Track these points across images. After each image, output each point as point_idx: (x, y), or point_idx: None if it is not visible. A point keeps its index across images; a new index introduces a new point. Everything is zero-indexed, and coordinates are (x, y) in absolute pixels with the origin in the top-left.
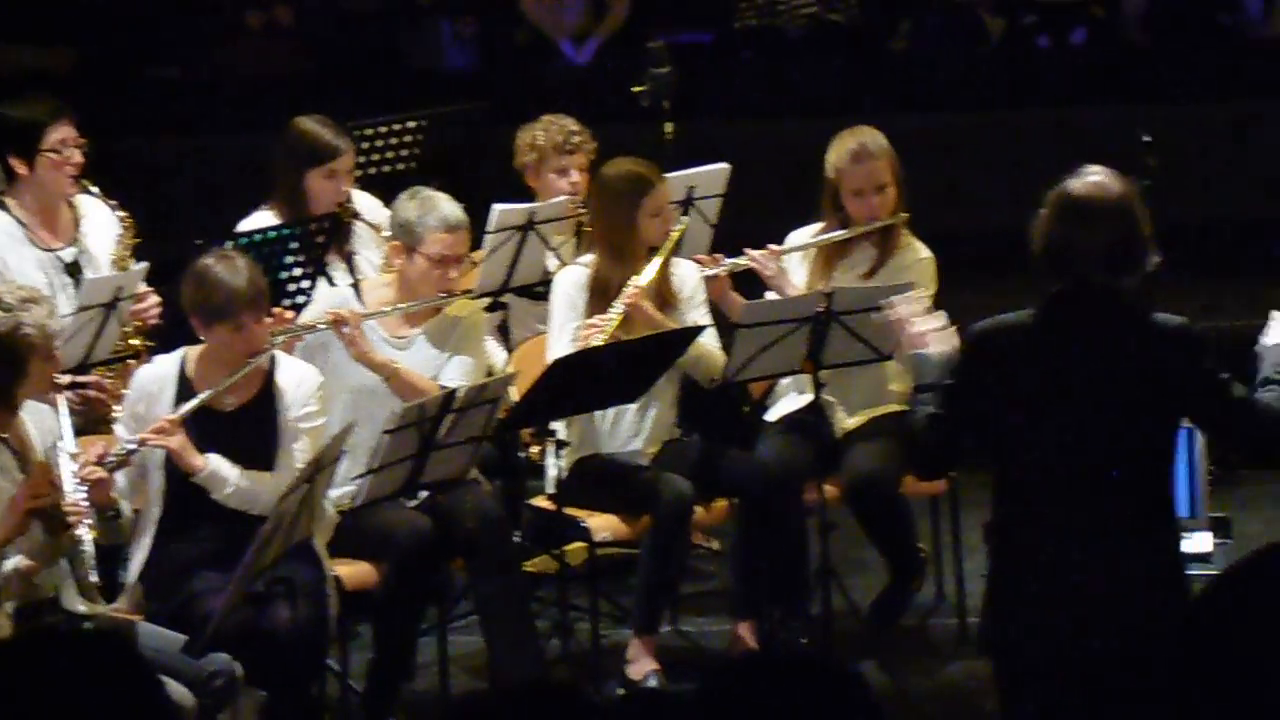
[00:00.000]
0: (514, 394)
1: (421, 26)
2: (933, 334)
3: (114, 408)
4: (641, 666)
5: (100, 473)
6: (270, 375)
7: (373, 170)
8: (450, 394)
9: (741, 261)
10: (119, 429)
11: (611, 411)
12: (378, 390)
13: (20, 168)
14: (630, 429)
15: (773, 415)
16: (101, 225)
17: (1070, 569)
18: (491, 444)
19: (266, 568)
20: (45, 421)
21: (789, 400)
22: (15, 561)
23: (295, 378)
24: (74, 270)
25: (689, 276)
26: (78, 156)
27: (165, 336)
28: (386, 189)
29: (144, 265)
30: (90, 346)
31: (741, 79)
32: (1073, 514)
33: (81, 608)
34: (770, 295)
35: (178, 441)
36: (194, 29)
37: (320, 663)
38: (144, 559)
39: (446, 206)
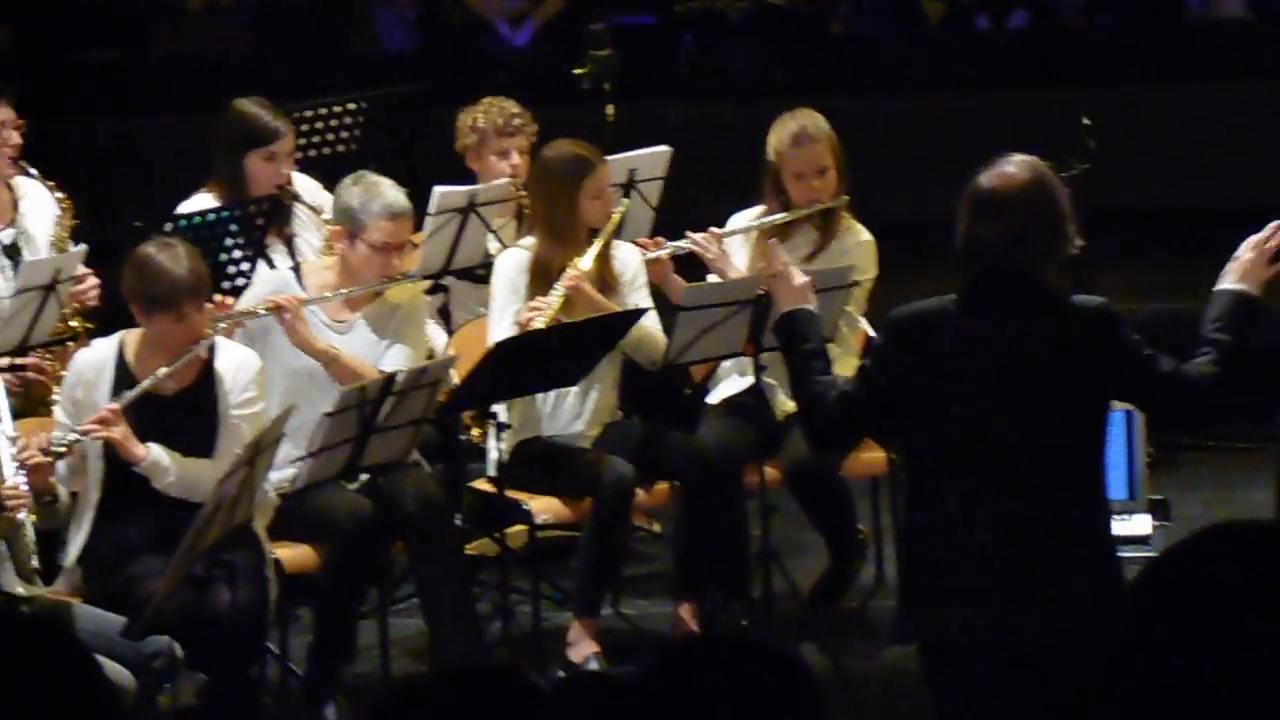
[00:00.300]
0: (455, 377)
1: (361, 9)
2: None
3: (53, 390)
4: (582, 649)
5: (39, 457)
6: (210, 361)
7: (313, 152)
8: (390, 377)
9: (683, 244)
10: (58, 413)
11: (553, 394)
12: (317, 374)
13: None
14: (571, 412)
15: (714, 398)
16: (40, 207)
17: (994, 557)
18: (432, 427)
19: (206, 551)
20: None
21: (730, 383)
22: None
23: (234, 363)
24: (12, 252)
25: (630, 259)
26: (15, 138)
27: (104, 318)
28: (327, 171)
29: (83, 247)
30: (29, 329)
31: (683, 62)
32: (995, 501)
33: (20, 590)
34: (712, 278)
35: (120, 432)
36: (134, 10)
37: (260, 646)
38: (83, 543)
39: (391, 193)
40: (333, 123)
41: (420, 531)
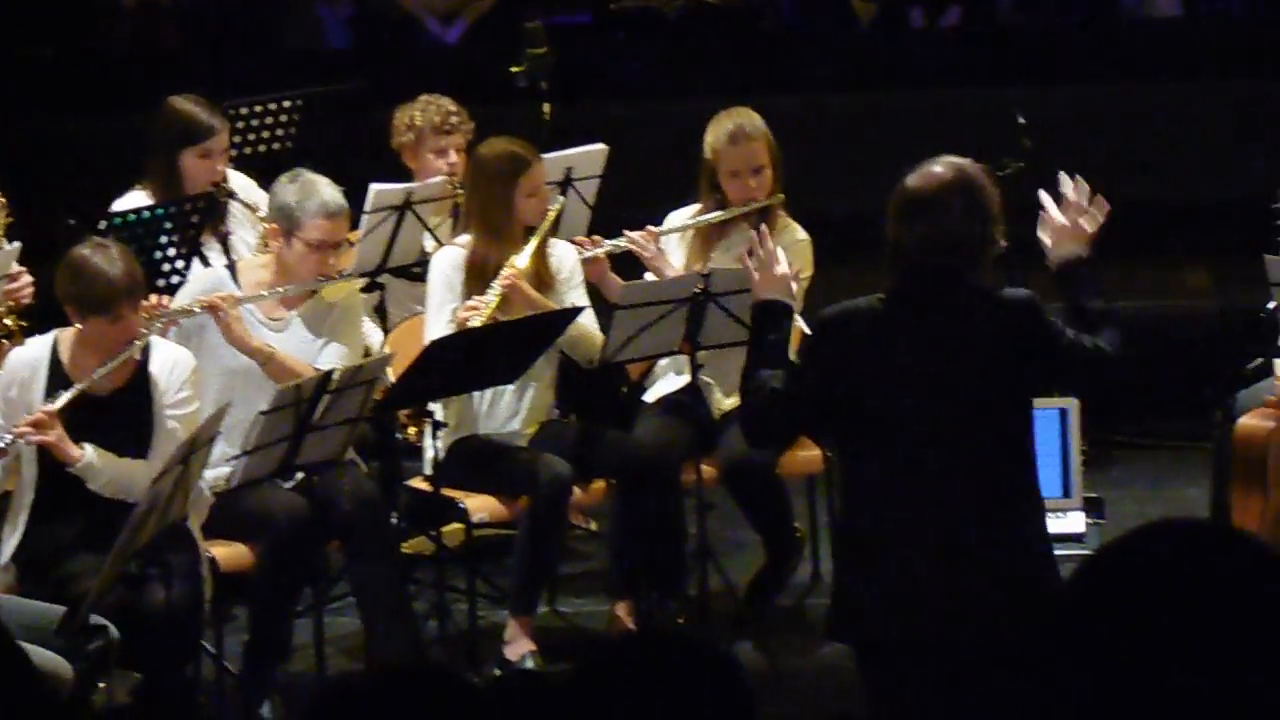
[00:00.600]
0: (391, 375)
1: (298, 5)
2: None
3: None
4: (518, 647)
5: None
6: (144, 360)
7: (248, 150)
8: (326, 375)
9: (620, 243)
10: None
11: (489, 392)
12: (253, 372)
13: None
14: (508, 410)
15: (651, 396)
16: None
17: (927, 552)
18: (368, 425)
19: (141, 549)
20: None
21: (667, 381)
22: None
23: (169, 363)
24: None
25: (567, 257)
26: None
27: (39, 316)
28: (262, 169)
29: (16, 245)
30: None
31: (619, 60)
32: (927, 498)
33: None
34: (648, 276)
35: (55, 435)
36: (68, 6)
37: (195, 644)
38: (17, 541)
39: (327, 192)
40: (268, 120)
41: (356, 530)
